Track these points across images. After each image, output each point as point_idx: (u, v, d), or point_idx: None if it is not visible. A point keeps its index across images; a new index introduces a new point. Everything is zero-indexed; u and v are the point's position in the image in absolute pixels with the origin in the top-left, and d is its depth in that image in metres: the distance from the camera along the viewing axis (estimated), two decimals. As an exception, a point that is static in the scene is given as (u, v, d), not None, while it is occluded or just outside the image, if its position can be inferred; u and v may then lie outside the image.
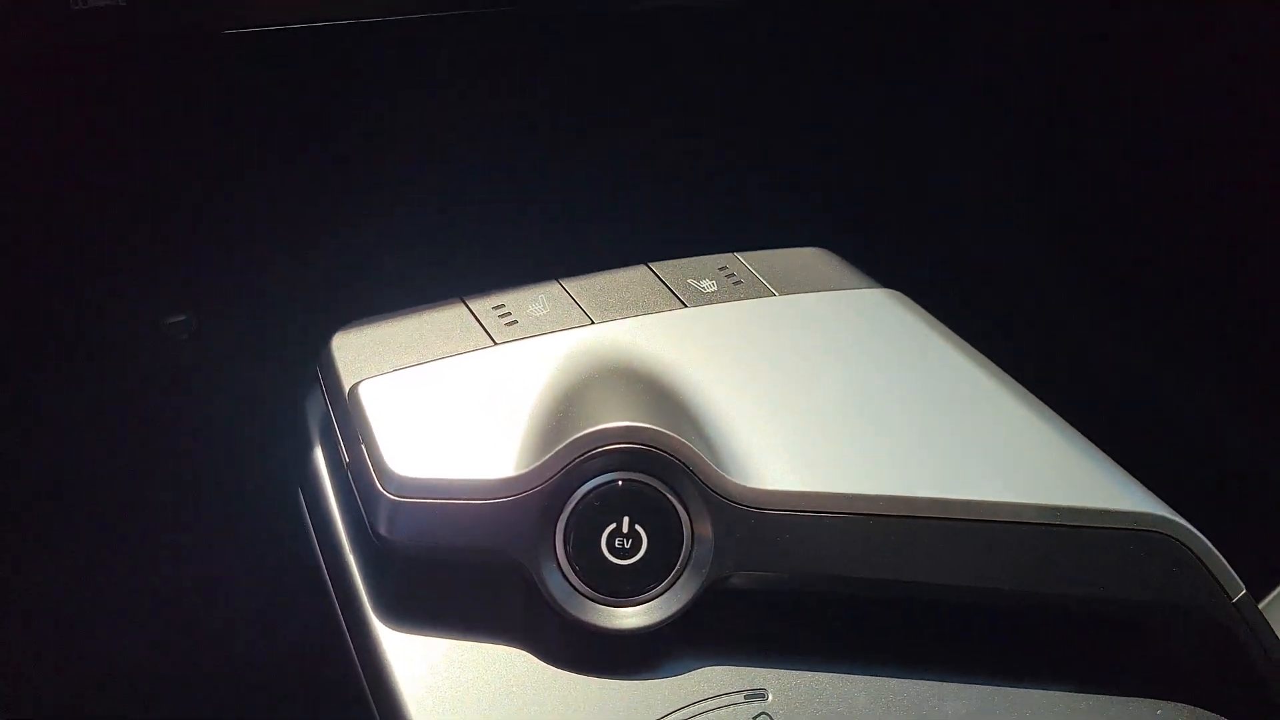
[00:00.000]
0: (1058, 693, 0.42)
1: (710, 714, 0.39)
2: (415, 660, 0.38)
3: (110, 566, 0.57)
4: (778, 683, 0.40)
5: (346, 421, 0.40)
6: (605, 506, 0.38)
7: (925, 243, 0.69)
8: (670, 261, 0.48)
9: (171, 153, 0.62)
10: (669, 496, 0.38)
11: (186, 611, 0.53)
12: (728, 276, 0.48)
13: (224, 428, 0.61)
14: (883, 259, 0.52)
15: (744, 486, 0.39)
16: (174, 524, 0.56)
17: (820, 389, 0.43)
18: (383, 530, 0.38)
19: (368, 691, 0.39)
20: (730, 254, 0.49)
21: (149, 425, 0.63)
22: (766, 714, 0.39)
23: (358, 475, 0.39)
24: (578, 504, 0.38)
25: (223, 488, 0.57)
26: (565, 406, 0.40)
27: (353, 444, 0.39)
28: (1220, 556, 0.42)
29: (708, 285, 0.47)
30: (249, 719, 0.48)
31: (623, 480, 0.38)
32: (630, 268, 0.47)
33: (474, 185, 0.71)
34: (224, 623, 0.51)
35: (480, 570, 0.39)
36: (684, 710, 0.38)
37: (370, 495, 0.38)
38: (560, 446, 0.38)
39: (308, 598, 0.42)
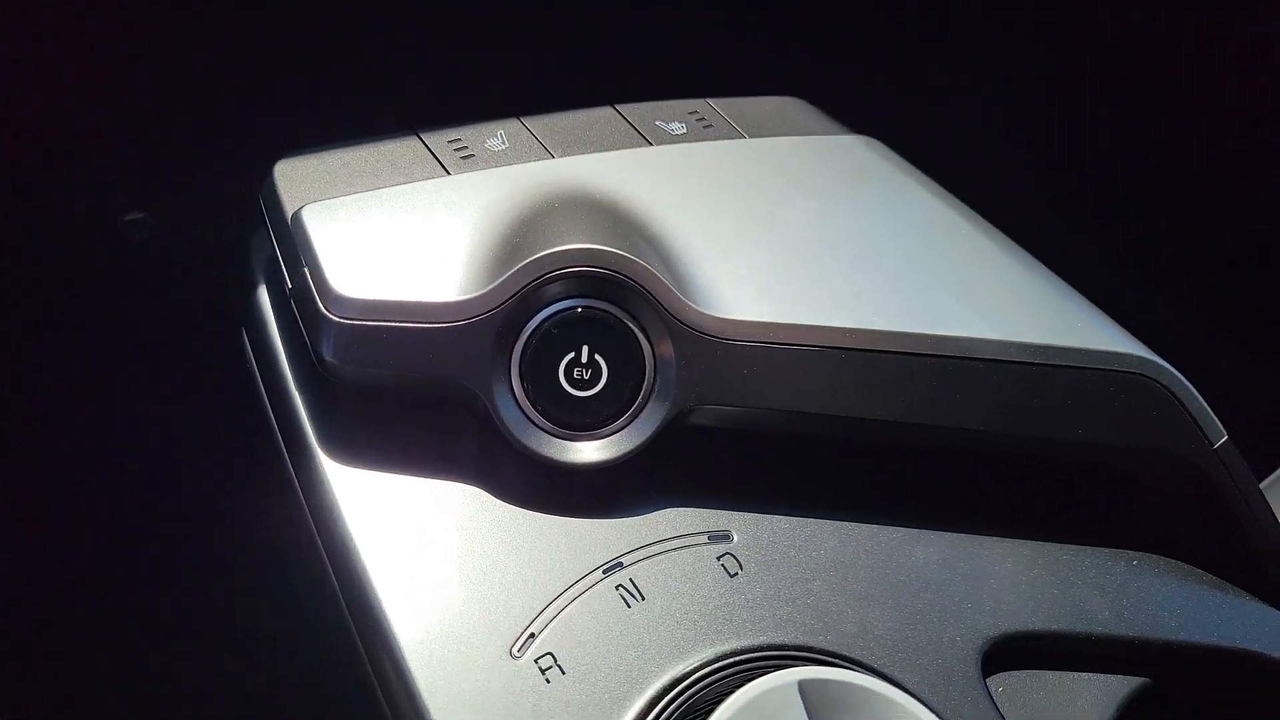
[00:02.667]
0: (1031, 542, 0.41)
1: (671, 554, 0.37)
2: (365, 499, 0.37)
3: (69, 450, 0.55)
4: (742, 525, 0.38)
5: (289, 246, 0.38)
6: (563, 334, 0.36)
7: (913, 103, 0.68)
8: (638, 104, 0.46)
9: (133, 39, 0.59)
10: (630, 325, 0.36)
11: (134, 476, 0.52)
12: (698, 120, 0.46)
13: (174, 294, 0.59)
14: (866, 117, 0.50)
15: (709, 315, 0.37)
16: (123, 394, 0.54)
17: (790, 225, 0.41)
18: (327, 355, 0.36)
19: (316, 534, 0.37)
20: (701, 99, 0.47)
21: (101, 305, 0.60)
22: (731, 554, 0.37)
23: (300, 301, 0.37)
24: (534, 331, 0.36)
25: (173, 351, 0.55)
26: (522, 234, 0.38)
27: (295, 268, 0.37)
28: (1202, 400, 0.40)
29: (676, 127, 0.45)
30: (198, 574, 0.46)
31: (582, 307, 0.36)
32: (595, 109, 0.45)
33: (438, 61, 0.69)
34: (174, 486, 0.50)
35: (433, 405, 0.38)
36: (644, 549, 0.37)
37: (313, 319, 0.36)
38: (515, 269, 0.36)
39: (256, 445, 0.40)
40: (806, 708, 0.31)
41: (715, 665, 0.34)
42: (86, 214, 0.65)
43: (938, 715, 0.32)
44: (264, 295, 0.41)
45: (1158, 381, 0.40)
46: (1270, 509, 0.42)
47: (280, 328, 0.40)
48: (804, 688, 0.32)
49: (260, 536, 0.40)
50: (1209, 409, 0.41)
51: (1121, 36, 0.69)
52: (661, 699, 0.33)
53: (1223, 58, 0.66)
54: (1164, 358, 0.41)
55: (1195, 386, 0.41)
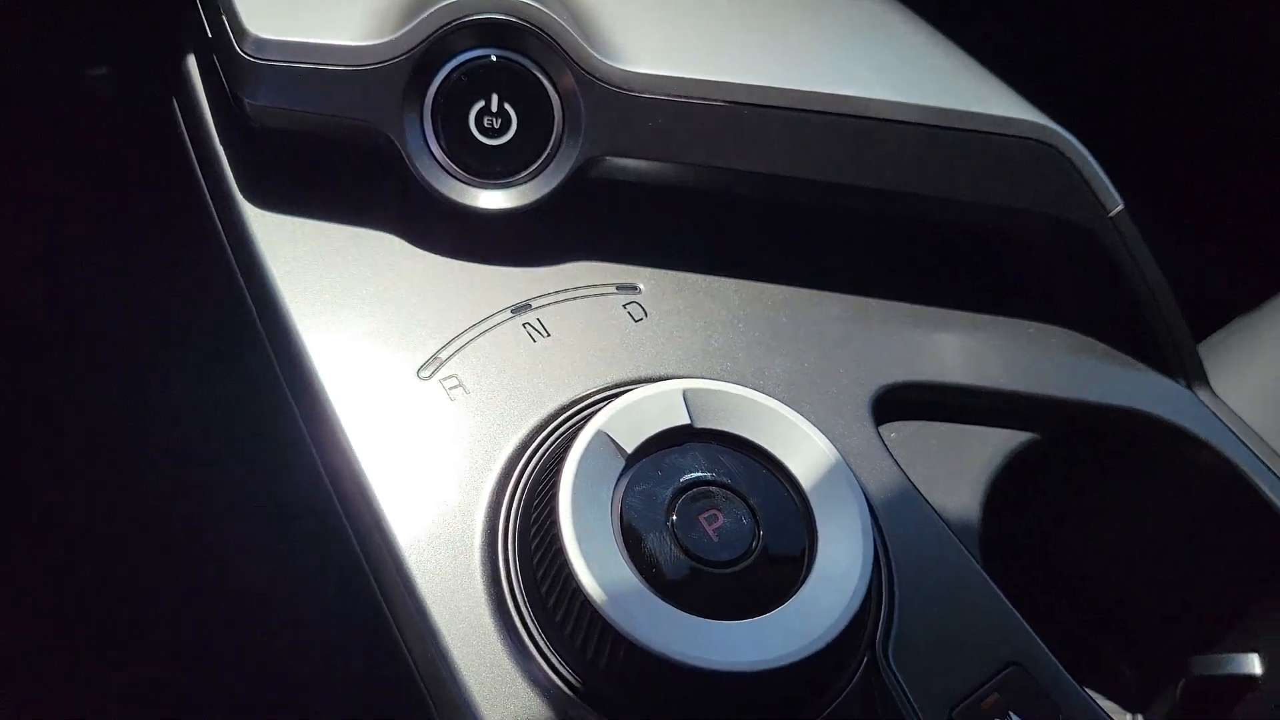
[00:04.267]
0: (928, 308, 0.42)
1: (579, 300, 0.39)
2: (283, 242, 0.38)
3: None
4: (650, 279, 0.40)
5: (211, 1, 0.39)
6: (474, 82, 0.37)
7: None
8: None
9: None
10: (540, 75, 0.38)
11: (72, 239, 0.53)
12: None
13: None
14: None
15: (616, 68, 0.38)
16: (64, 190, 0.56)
17: (703, -5, 0.42)
18: (243, 96, 0.37)
19: (239, 278, 0.39)
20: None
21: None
22: (637, 303, 0.39)
23: (219, 46, 0.38)
24: (445, 78, 0.37)
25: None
26: (435, -10, 0.39)
27: (214, 16, 0.38)
28: (1099, 170, 0.42)
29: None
30: (121, 315, 0.48)
31: (493, 55, 0.37)
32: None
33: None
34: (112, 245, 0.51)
35: (352, 156, 0.39)
36: (553, 295, 0.38)
37: (230, 61, 0.37)
38: (426, 14, 0.37)
39: (187, 201, 0.42)
40: (689, 412, 0.33)
41: (613, 390, 0.36)
42: (52, 69, 0.65)
43: (826, 438, 0.34)
44: (191, 62, 0.42)
45: (1056, 148, 0.41)
46: (1163, 279, 0.43)
47: (206, 89, 0.41)
48: (689, 396, 0.34)
49: (189, 286, 0.42)
50: (1106, 178, 0.42)
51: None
52: (559, 415, 0.35)
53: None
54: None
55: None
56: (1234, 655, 0.42)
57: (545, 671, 0.30)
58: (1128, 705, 0.47)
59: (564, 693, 0.30)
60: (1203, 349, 0.57)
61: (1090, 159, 0.42)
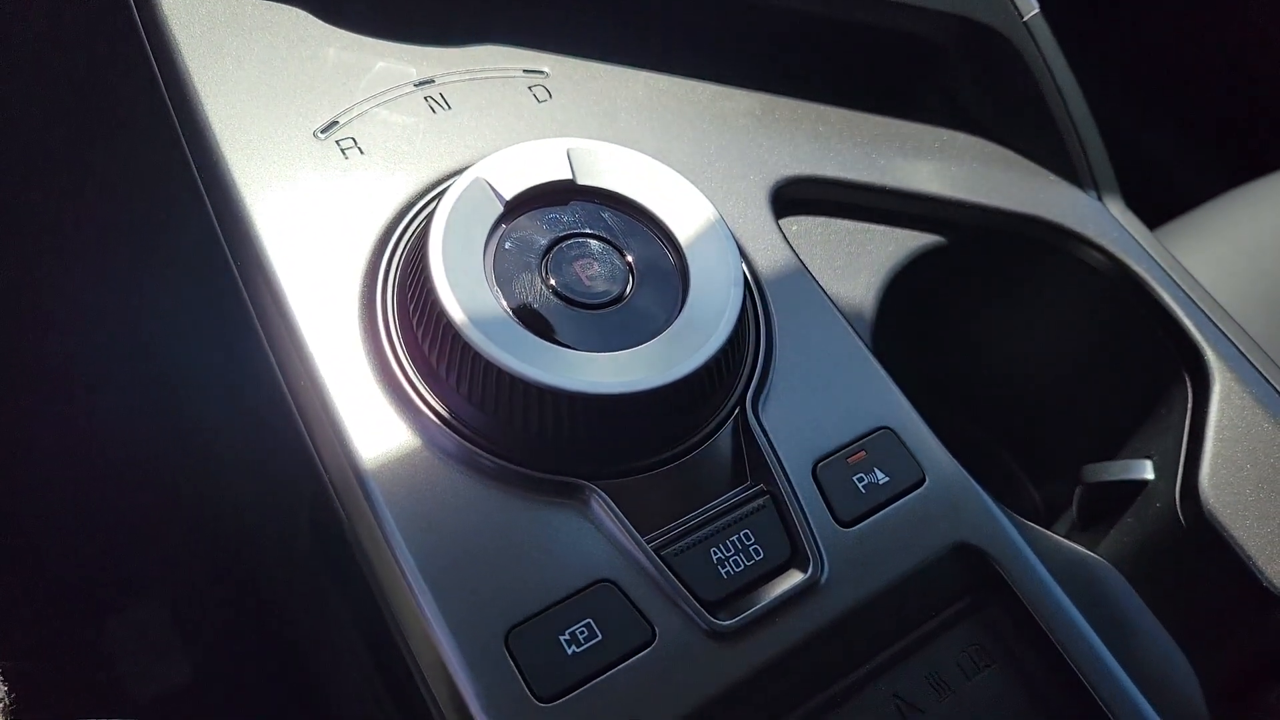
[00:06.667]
0: (839, 109, 0.43)
1: (485, 81, 0.39)
2: (191, 12, 0.38)
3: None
4: (559, 65, 0.40)
5: None
6: None
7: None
8: None
9: None
10: None
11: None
12: None
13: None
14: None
15: None
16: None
17: None
18: None
19: (147, 46, 0.39)
20: None
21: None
22: (544, 86, 0.39)
23: None
24: None
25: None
26: None
27: None
28: (1015, -32, 0.42)
29: None
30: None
31: None
32: None
33: None
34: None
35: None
36: (460, 74, 0.39)
37: None
38: None
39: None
40: (573, 168, 0.34)
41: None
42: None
43: (707, 199, 0.35)
44: None
45: (970, -54, 0.41)
46: (1079, 91, 0.43)
47: None
48: (573, 153, 0.34)
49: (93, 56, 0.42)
50: (1022, -21, 0.42)
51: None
52: (449, 177, 0.36)
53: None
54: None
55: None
56: (1127, 461, 0.43)
57: (414, 401, 0.31)
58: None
59: (431, 421, 0.31)
60: (1170, 228, 0.57)
61: (1006, -41, 0.41)
